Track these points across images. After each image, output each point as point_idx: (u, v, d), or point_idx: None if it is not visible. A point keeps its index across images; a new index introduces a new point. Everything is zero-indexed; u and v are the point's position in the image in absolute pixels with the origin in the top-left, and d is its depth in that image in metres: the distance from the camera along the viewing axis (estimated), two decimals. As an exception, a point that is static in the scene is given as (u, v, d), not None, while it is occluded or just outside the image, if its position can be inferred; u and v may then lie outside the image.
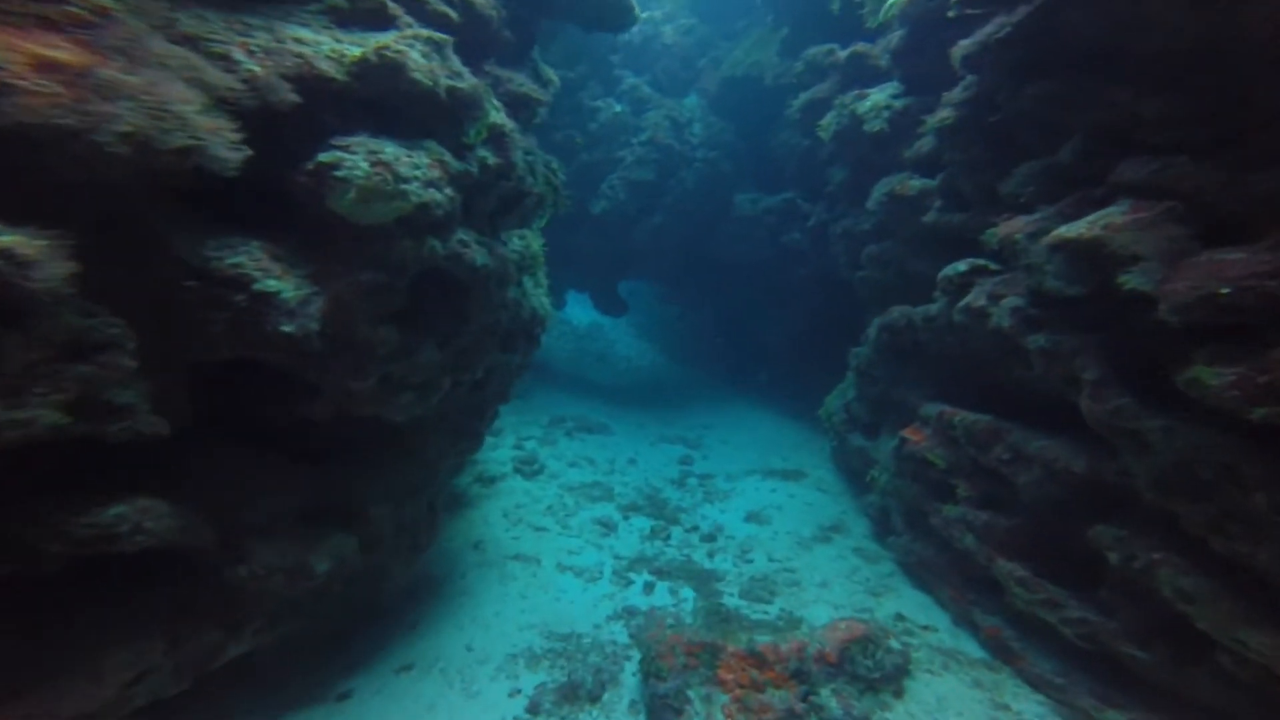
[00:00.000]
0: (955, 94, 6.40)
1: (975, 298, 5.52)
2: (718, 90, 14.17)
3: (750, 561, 7.75)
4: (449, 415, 5.18)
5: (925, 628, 6.18)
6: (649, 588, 7.10)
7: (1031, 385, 5.32)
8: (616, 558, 7.71)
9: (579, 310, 22.40)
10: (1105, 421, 4.36)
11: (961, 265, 5.91)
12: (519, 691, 5.18)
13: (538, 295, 6.80)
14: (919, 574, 6.91)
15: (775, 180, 13.79)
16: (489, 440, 11.08)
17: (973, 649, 5.89)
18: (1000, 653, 5.60)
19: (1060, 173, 5.19)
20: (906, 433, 6.65)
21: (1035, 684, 5.24)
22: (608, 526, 8.48)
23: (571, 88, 12.95)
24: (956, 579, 6.16)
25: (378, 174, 3.33)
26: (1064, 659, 5.14)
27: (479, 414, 5.66)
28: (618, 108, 13.30)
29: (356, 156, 3.30)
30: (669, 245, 13.53)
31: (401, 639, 5.60)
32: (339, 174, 3.22)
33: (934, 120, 6.69)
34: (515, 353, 6.02)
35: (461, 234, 4.32)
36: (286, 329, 3.11)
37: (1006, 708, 4.98)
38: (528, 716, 4.92)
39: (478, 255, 4.31)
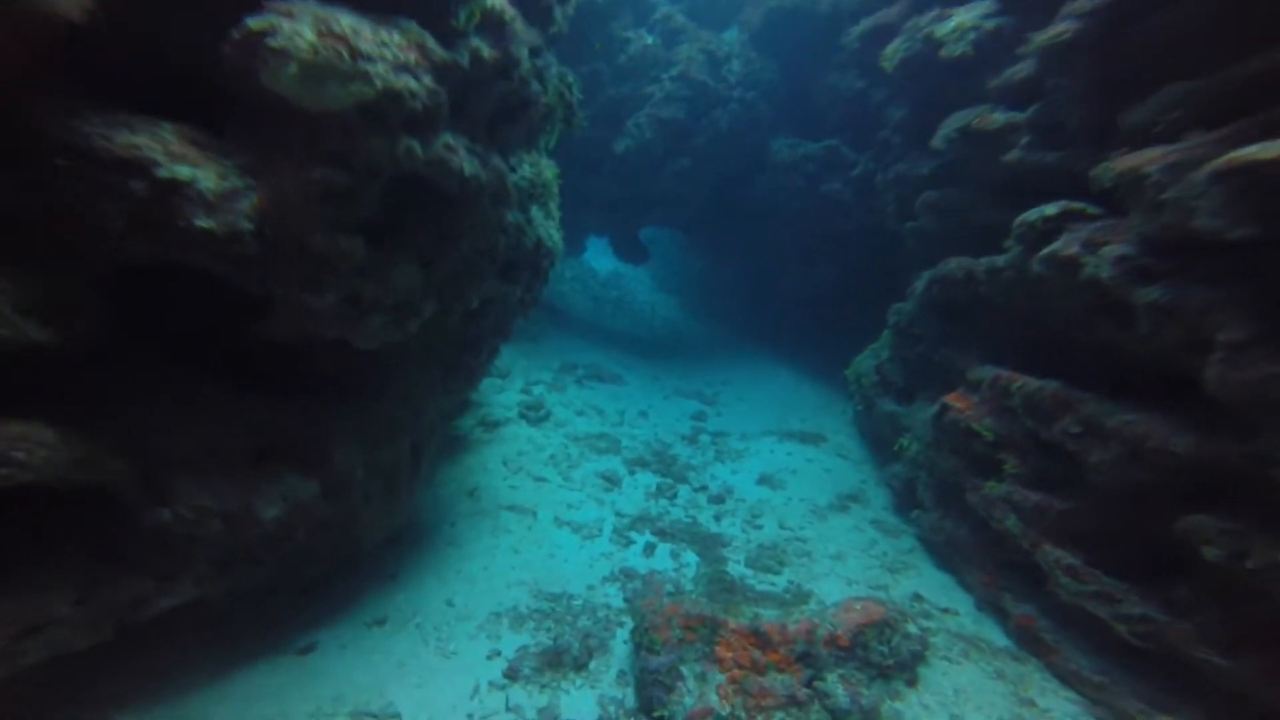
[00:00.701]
0: (1082, 3, 5.41)
1: (1065, 245, 4.72)
2: (762, 21, 13.00)
3: (759, 528, 7.25)
4: (436, 347, 4.65)
5: (946, 610, 5.65)
6: (650, 549, 6.65)
7: (1121, 350, 4.56)
8: (618, 515, 7.26)
9: (599, 257, 21.71)
10: (1250, 392, 3.58)
11: (1050, 208, 5.05)
12: (498, 654, 4.77)
13: (548, 227, 6.16)
14: (944, 553, 6.34)
15: (817, 128, 12.74)
16: (495, 383, 10.65)
17: (997, 637, 5.36)
18: (1029, 644, 5.06)
19: (1221, 95, 4.28)
20: (950, 399, 5.98)
21: (1067, 680, 4.71)
22: (612, 481, 8.02)
23: (602, 15, 11.96)
24: (989, 562, 5.58)
25: (328, 47, 2.70)
26: (1105, 656, 4.59)
27: (473, 349, 5.12)
28: (649, 39, 12.27)
29: (299, 24, 2.66)
30: (696, 191, 12.66)
31: (378, 591, 5.21)
32: (274, 43, 2.59)
33: (1045, 37, 5.65)
34: (517, 285, 5.43)
35: (449, 138, 3.68)
36: (203, 224, 2.55)
37: (1032, 703, 4.47)
38: (504, 681, 4.52)
39: (467, 164, 3.68)
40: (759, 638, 4.33)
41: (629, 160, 11.71)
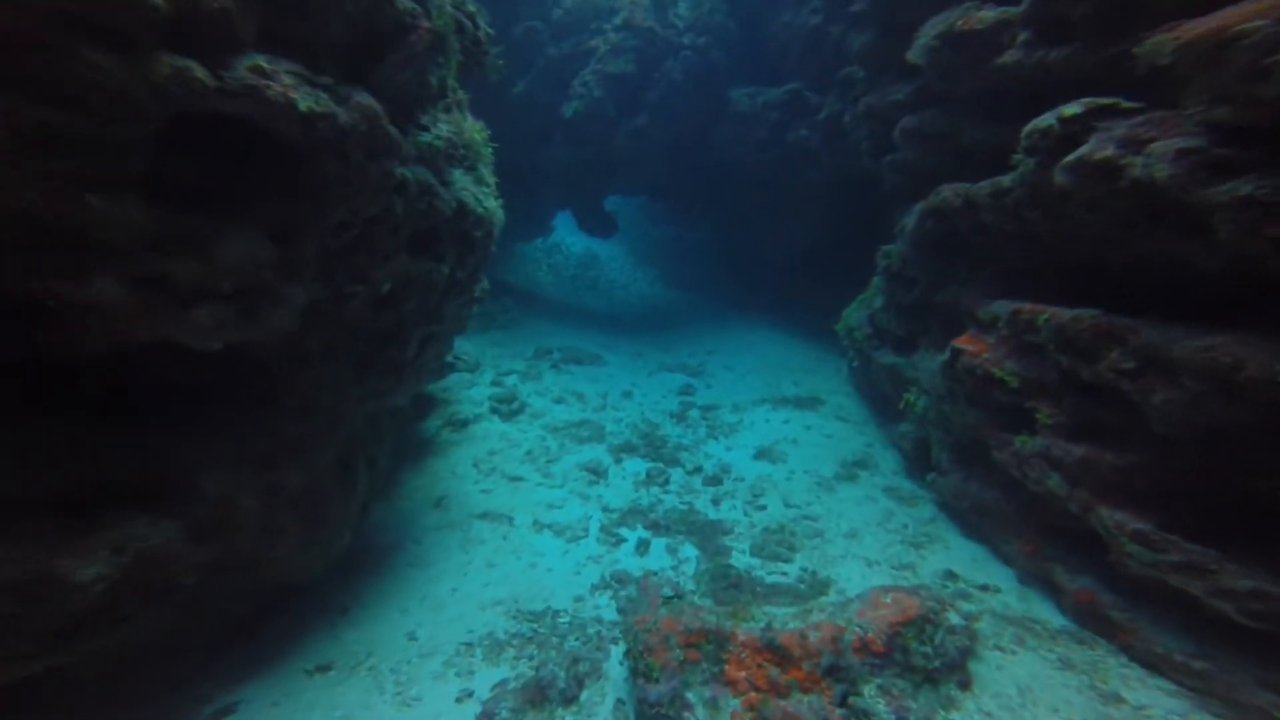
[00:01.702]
0: None
1: (1096, 148, 3.91)
2: (709, -41, 12.06)
3: (763, 508, 6.57)
4: (342, 343, 3.84)
5: (985, 588, 4.98)
6: (643, 546, 5.95)
7: (1176, 266, 3.81)
8: (605, 510, 6.55)
9: (571, 236, 20.81)
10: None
11: (1072, 107, 4.21)
12: (470, 694, 4.04)
13: (477, 193, 5.33)
14: (971, 520, 5.67)
15: (775, 72, 11.89)
16: (464, 378, 9.86)
17: (1051, 616, 4.67)
18: (1094, 623, 4.37)
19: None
20: (960, 342, 5.26)
21: (1154, 665, 4.00)
22: (596, 473, 7.29)
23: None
24: (1030, 529, 4.90)
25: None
26: (1198, 635, 3.85)
27: (397, 341, 4.31)
28: (587, -15, 11.28)
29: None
30: (655, 150, 11.78)
31: (324, 629, 4.45)
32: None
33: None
34: (441, 261, 4.61)
35: (260, 60, 2.77)
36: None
37: (1118, 699, 3.76)
38: (479, 732, 3.81)
39: (304, 98, 2.82)
40: (775, 653, 3.63)
41: (580, 124, 10.81)
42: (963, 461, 5.63)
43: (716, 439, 8.32)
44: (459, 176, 5.04)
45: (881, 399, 7.95)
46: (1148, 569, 3.82)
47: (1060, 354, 4.29)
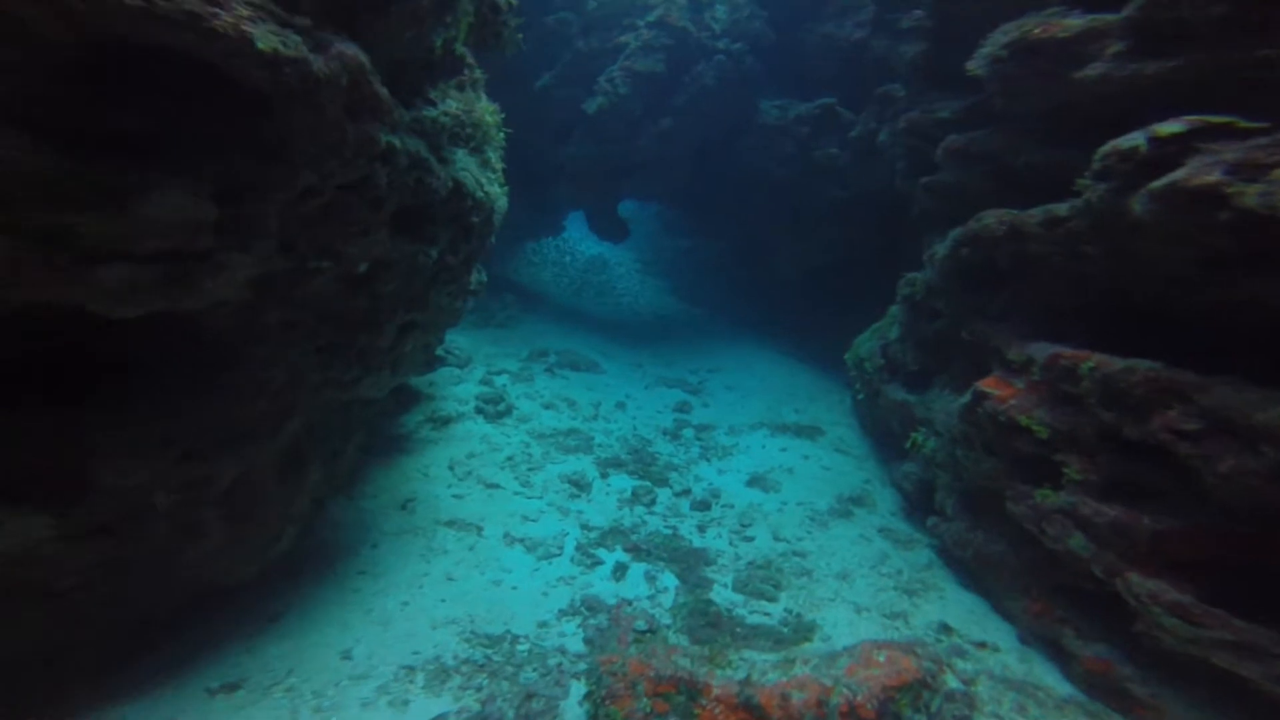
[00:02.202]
0: None
1: (1194, 172, 3.46)
2: (749, -37, 11.71)
3: (750, 539, 6.12)
4: (305, 324, 3.44)
5: (982, 645, 4.53)
6: (620, 571, 5.51)
7: (1260, 315, 3.37)
8: (584, 527, 6.11)
9: (581, 238, 20.46)
10: None
11: (1173, 126, 3.74)
12: (404, 729, 3.61)
13: (480, 177, 4.96)
14: (972, 571, 5.23)
15: (809, 85, 11.53)
16: (453, 374, 9.46)
17: (1055, 681, 4.23)
18: (1107, 695, 3.92)
19: None
20: (985, 385, 4.82)
21: None
22: (579, 486, 6.86)
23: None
24: (1039, 586, 4.46)
25: None
26: (1232, 715, 3.41)
27: (369, 326, 3.90)
28: (621, -20, 10.92)
29: None
30: (678, 156, 11.40)
31: (245, 640, 4.00)
32: None
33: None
34: (432, 244, 4.22)
35: None
36: None
37: None
38: (407, 776, 3.37)
39: (265, 37, 2.39)
40: (752, 713, 3.18)
41: (602, 121, 10.44)
42: (970, 509, 5.18)
43: (709, 461, 7.89)
44: (462, 157, 4.67)
45: (885, 435, 7.50)
46: (1186, 645, 3.36)
47: (1104, 407, 3.85)
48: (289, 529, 3.97)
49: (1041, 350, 4.46)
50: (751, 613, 4.98)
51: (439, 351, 8.79)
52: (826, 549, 5.89)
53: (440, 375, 9.15)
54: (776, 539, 6.10)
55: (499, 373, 9.71)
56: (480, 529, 5.84)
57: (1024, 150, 5.44)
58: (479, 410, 8.43)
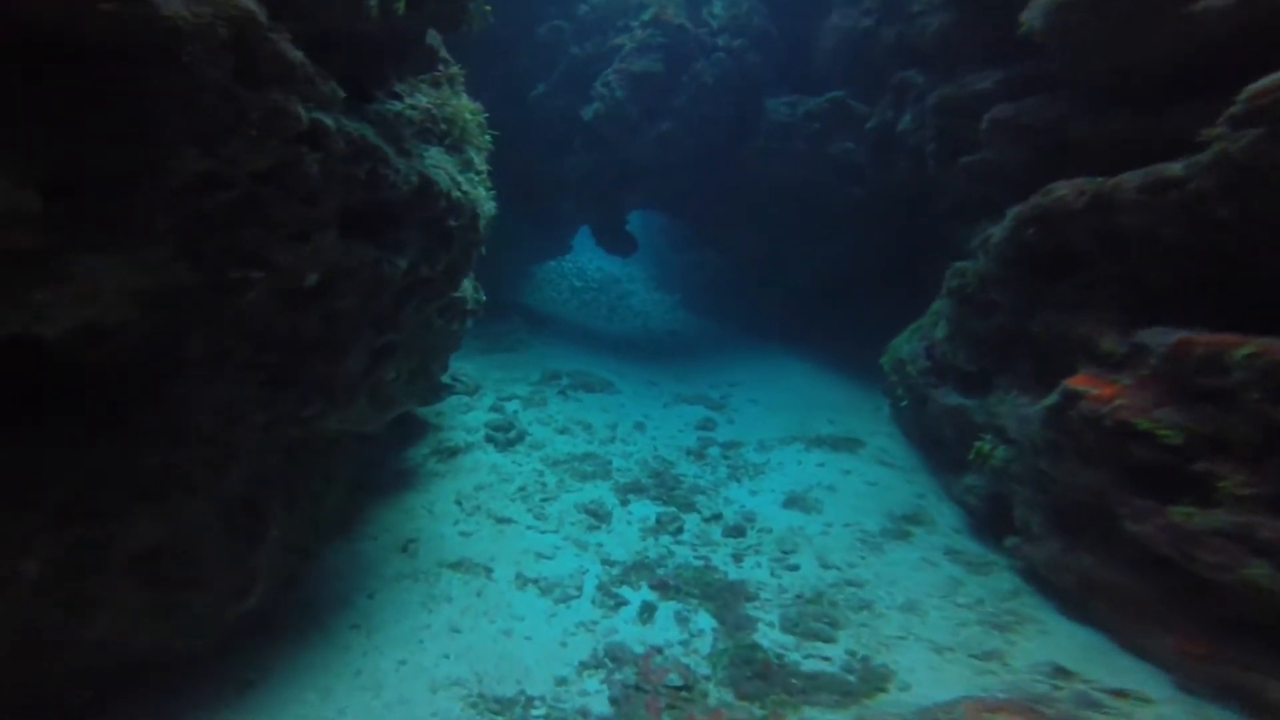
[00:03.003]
0: None
1: None
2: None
3: (794, 568, 5.40)
4: (240, 350, 2.82)
5: (1121, 694, 3.68)
6: (647, 612, 4.82)
7: None
8: (606, 563, 5.44)
9: (589, 258, 20.07)
10: None
11: None
12: (396, 832, 2.93)
13: (465, 179, 4.42)
14: (1076, 598, 4.39)
15: (817, 81, 11.00)
16: (461, 402, 8.90)
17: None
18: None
19: None
20: (1077, 383, 4.08)
21: None
22: (598, 516, 6.20)
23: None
24: (1189, 622, 3.62)
25: None
26: None
27: (324, 350, 3.26)
28: (613, -19, 10.49)
29: None
30: (680, 160, 10.84)
31: (206, 716, 3.35)
32: None
33: None
34: (398, 251, 3.63)
35: None
36: None
37: None
38: None
39: None
40: (828, 806, 2.47)
41: (600, 127, 9.94)
42: (1064, 528, 4.41)
43: (739, 481, 7.20)
44: (435, 154, 4.12)
45: (935, 444, 6.76)
46: None
47: (1273, 403, 3.10)
48: (256, 585, 3.35)
49: (1158, 338, 3.72)
50: (806, 657, 4.25)
51: (445, 379, 8.23)
52: (885, 576, 5.14)
53: (448, 404, 8.61)
54: (825, 566, 5.37)
55: (509, 398, 9.14)
56: (489, 570, 5.18)
57: (1085, 115, 4.76)
58: (489, 438, 7.84)
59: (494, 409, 8.70)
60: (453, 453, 7.45)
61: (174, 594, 2.80)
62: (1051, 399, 4.26)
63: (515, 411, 8.68)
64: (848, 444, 7.94)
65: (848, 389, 10.20)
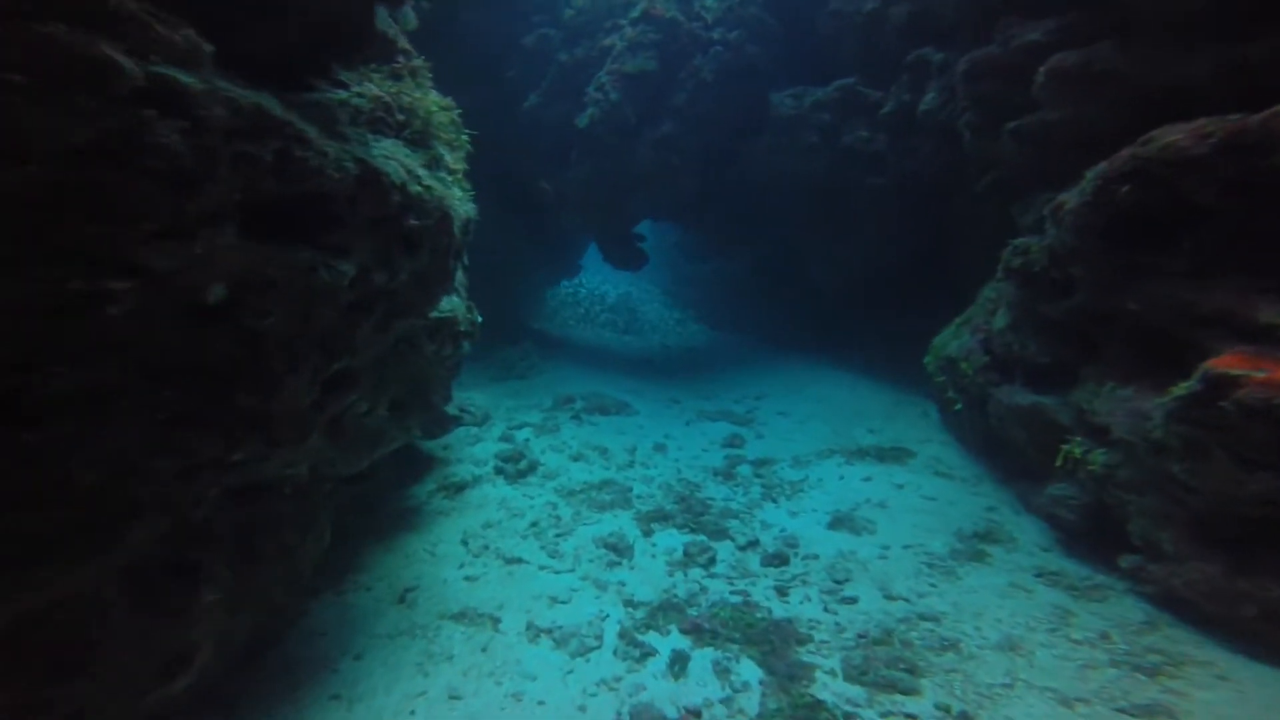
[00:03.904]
0: None
1: None
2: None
3: (851, 601, 4.61)
4: (122, 388, 2.12)
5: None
6: (679, 663, 4.05)
7: None
8: (628, 604, 4.69)
9: (598, 276, 19.60)
10: None
11: None
12: None
13: (429, 177, 3.83)
14: (1247, 632, 3.53)
15: (824, 71, 10.39)
16: (470, 433, 8.28)
17: None
18: None
19: None
20: (1224, 365, 3.27)
21: None
22: (618, 550, 5.46)
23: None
24: None
25: None
26: None
27: (248, 380, 2.54)
28: (598, -19, 10.01)
29: None
30: (684, 164, 10.21)
31: None
32: None
33: None
34: (340, 254, 2.94)
35: None
36: None
37: None
38: None
39: None
40: None
41: (596, 133, 9.38)
42: (1214, 545, 3.55)
43: (775, 502, 6.42)
44: (387, 144, 3.52)
45: (1000, 449, 5.93)
46: None
47: None
48: (194, 660, 2.66)
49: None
50: (885, 715, 3.44)
51: (452, 410, 7.60)
52: (967, 607, 4.31)
53: (455, 436, 8.02)
54: (889, 598, 4.57)
55: (520, 426, 8.51)
56: (496, 620, 4.45)
57: (1176, 61, 4.00)
58: (498, 470, 7.20)
59: (504, 438, 8.10)
60: (459, 488, 6.80)
61: (58, 680, 2.11)
62: (1186, 387, 3.43)
63: (526, 440, 8.05)
64: (895, 454, 7.13)
65: (884, 394, 9.41)
